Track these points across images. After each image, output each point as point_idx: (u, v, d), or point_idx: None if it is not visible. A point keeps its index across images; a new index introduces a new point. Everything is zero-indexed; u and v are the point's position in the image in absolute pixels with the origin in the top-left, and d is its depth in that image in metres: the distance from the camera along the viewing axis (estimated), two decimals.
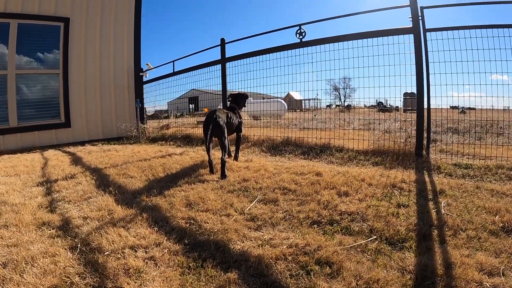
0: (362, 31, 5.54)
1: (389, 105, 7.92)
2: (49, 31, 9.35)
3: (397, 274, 1.89)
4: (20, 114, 8.97)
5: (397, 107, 8.19)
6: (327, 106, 15.24)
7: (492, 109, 4.85)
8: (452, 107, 5.87)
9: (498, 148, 4.86)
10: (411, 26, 5.07)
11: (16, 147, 8.70)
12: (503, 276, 1.84)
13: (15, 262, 2.10)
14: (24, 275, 1.95)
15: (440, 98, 4.91)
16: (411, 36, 5.07)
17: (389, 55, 5.25)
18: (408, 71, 5.12)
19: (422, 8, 4.99)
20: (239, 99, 5.63)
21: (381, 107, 9.05)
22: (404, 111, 7.92)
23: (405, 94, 6.15)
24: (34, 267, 2.04)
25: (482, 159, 4.70)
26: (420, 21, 5.00)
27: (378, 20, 5.55)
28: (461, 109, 7.58)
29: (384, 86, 5.32)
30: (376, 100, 6.52)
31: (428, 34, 4.99)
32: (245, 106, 5.80)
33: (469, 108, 6.15)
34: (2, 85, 8.70)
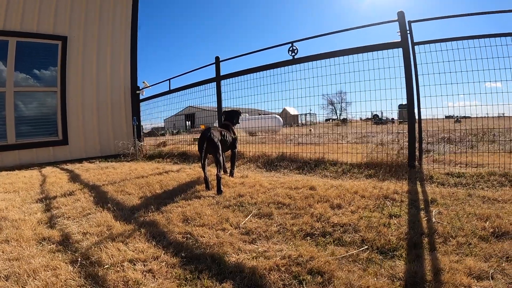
0: (352, 47, 5.64)
1: (385, 117, 8.01)
2: (47, 49, 9.49)
3: (387, 281, 1.94)
4: (18, 131, 9.04)
5: (393, 119, 8.28)
6: (326, 120, 15.23)
7: (487, 117, 4.93)
8: (447, 117, 5.96)
9: (491, 155, 4.95)
10: (399, 40, 5.19)
11: (14, 164, 8.74)
12: (492, 279, 1.89)
13: (17, 275, 2.15)
14: (26, 287, 2.00)
15: (433, 109, 4.98)
16: (400, 50, 5.19)
17: (379, 69, 5.36)
18: (400, 84, 5.22)
19: (410, 22, 5.12)
20: (233, 116, 5.72)
21: (376, 119, 9.13)
22: (400, 122, 8.01)
23: (400, 106, 6.24)
24: (35, 279, 2.08)
25: (475, 167, 4.76)
26: (409, 34, 5.12)
27: (371, 35, 5.68)
28: (456, 118, 7.68)
29: (375, 100, 5.43)
30: (372, 113, 6.62)
31: (417, 47, 5.11)
32: (238, 123, 5.87)
33: (464, 117, 6.23)
34: (0, 102, 8.78)
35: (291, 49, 6.40)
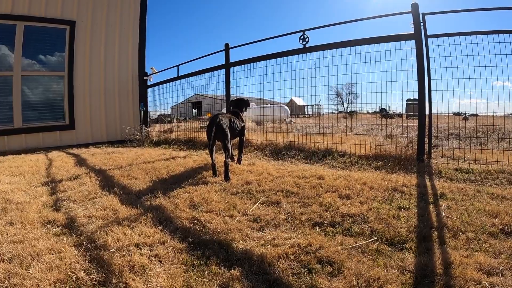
0: (365, 37, 5.58)
1: (392, 111, 7.94)
2: (55, 34, 9.44)
3: (397, 273, 1.92)
4: (24, 115, 9.04)
5: (400, 113, 8.20)
6: (339, 112, 15.11)
7: (494, 115, 4.87)
8: (455, 114, 5.89)
9: (499, 153, 4.89)
10: (412, 32, 5.12)
11: (20, 147, 8.76)
12: (501, 275, 1.87)
13: (21, 257, 2.14)
14: (29, 270, 1.98)
15: (442, 104, 4.94)
16: (413, 42, 5.12)
17: (391, 61, 5.30)
18: (410, 77, 5.16)
19: (423, 14, 5.04)
20: (241, 104, 5.69)
21: (384, 113, 9.05)
22: (407, 117, 7.94)
23: (408, 100, 6.17)
24: (39, 262, 2.07)
25: (483, 164, 4.72)
26: (422, 27, 5.05)
27: (382, 27, 5.60)
28: (464, 116, 7.60)
29: (387, 91, 5.38)
30: (379, 107, 6.55)
31: (429, 40, 5.03)
32: (246, 111, 5.84)
33: (472, 115, 6.17)
34: (7, 86, 8.78)
35: (302, 37, 6.33)
